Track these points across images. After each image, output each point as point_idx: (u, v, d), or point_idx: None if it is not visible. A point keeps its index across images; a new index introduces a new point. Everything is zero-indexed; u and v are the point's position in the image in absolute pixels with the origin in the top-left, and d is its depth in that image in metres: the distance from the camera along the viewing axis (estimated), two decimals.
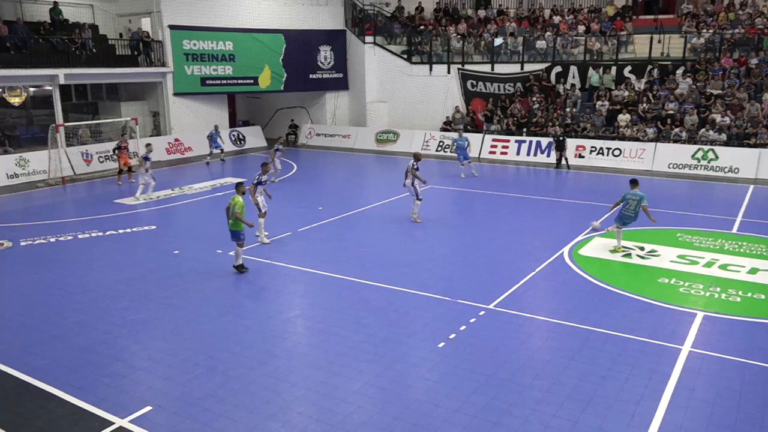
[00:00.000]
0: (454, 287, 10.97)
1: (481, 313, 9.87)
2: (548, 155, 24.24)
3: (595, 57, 26.64)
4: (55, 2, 24.41)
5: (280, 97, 31.03)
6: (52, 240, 14.20)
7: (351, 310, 10.09)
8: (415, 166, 15.23)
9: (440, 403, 7.29)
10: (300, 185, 20.55)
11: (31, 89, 25.00)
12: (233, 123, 29.80)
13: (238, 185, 12.00)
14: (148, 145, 19.30)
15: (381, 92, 29.98)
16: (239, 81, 28.37)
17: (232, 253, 12.27)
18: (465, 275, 11.73)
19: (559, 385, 7.68)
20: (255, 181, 13.80)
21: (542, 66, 27.02)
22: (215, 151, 24.97)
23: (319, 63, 30.01)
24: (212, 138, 24.91)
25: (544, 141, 24.60)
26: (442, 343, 8.81)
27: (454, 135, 23.53)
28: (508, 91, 27.53)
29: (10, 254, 13.29)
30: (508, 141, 25.39)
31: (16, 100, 24.59)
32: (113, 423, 6.96)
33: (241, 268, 11.90)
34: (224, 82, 28.02)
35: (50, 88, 23.28)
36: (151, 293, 10.92)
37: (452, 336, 9.04)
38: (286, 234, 14.49)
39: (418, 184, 15.27)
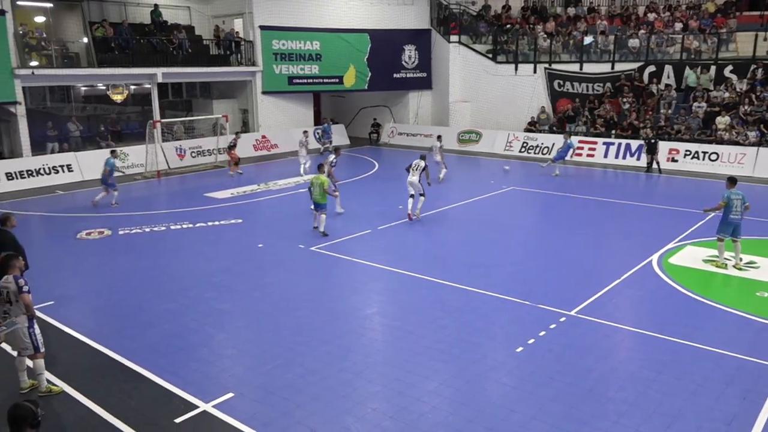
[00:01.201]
0: (534, 291, 10.73)
1: (562, 319, 9.61)
2: (638, 158, 23.26)
3: (693, 56, 25.30)
4: (155, 5, 25.75)
5: (363, 96, 31.38)
6: (147, 230, 15.01)
7: (428, 310, 10.08)
8: (425, 166, 15.67)
9: (516, 409, 7.16)
10: (381, 184, 20.71)
11: (132, 87, 26.49)
12: (318, 121, 30.43)
13: (320, 166, 14.91)
14: (305, 131, 23.17)
15: (464, 92, 29.74)
16: (325, 80, 28.93)
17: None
18: (546, 280, 11.46)
19: (644, 398, 7.36)
20: (333, 164, 16.34)
21: (634, 65, 25.94)
22: (327, 144, 26.74)
23: (403, 62, 30.14)
24: (325, 131, 27.21)
25: (634, 143, 23.63)
26: (520, 348, 8.65)
27: (551, 136, 23.45)
28: (597, 91, 26.63)
29: (109, 242, 14.16)
30: (596, 143, 24.55)
31: (118, 98, 26.17)
32: (198, 407, 7.28)
33: (323, 233, 14.06)
34: (310, 81, 28.65)
35: (149, 86, 24.60)
36: (235, 284, 11.34)
37: (531, 341, 8.86)
38: (366, 231, 14.65)
39: (424, 182, 15.64)
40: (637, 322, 9.62)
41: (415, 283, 11.34)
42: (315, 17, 27.90)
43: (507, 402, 7.34)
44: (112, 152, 18.42)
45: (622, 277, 11.42)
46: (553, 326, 9.34)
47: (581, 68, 27.04)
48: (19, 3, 21.87)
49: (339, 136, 29.94)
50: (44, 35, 22.72)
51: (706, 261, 12.22)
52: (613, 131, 24.81)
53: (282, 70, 27.73)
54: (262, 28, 26.83)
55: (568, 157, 21.72)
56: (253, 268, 12.25)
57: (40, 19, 23.98)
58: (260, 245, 13.73)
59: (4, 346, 8.21)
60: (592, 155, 24.30)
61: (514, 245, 13.79)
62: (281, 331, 9.38)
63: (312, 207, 14.57)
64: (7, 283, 7.46)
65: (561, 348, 8.65)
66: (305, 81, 28.50)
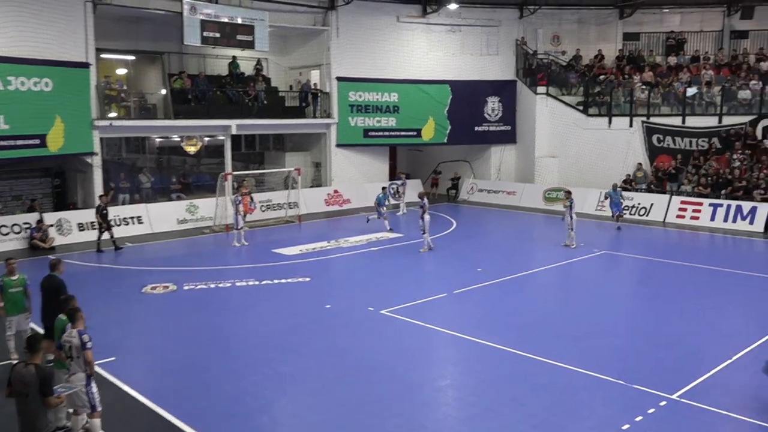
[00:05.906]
0: (629, 370, 10.21)
1: (662, 403, 9.06)
2: (751, 222, 22.11)
3: None
4: (234, 57, 27.28)
5: (443, 150, 31.62)
6: (212, 286, 15.45)
7: (508, 385, 9.77)
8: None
9: None
10: (458, 244, 20.58)
11: (206, 138, 27.85)
12: (393, 176, 30.81)
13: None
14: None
15: (552, 146, 29.46)
16: (402, 133, 29.43)
17: None
18: (644, 357, 10.90)
19: None
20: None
21: (746, 119, 25.08)
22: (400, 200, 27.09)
23: (485, 115, 30.29)
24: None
25: (747, 205, 22.52)
26: None
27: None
28: (702, 147, 25.80)
29: (173, 297, 14.66)
30: (701, 204, 23.59)
31: (191, 149, 27.53)
32: None
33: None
34: (387, 134, 29.22)
35: (222, 137, 25.80)
36: (300, 347, 11.41)
37: (625, 427, 8.37)
38: (441, 295, 14.52)
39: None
40: (752, 411, 8.92)
41: (494, 355, 11.05)
42: (394, 68, 28.66)
43: None
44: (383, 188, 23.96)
45: (734, 358, 10.70)
46: (651, 411, 8.82)
47: (684, 122, 26.36)
48: (103, 56, 23.69)
49: (415, 192, 30.13)
50: (124, 87, 24.43)
51: None
52: (723, 191, 23.78)
53: (357, 123, 28.50)
54: (339, 79, 27.82)
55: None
56: (320, 330, 12.32)
57: (122, 71, 25.87)
58: (328, 306, 13.83)
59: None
60: (697, 217, 23.32)
61: (607, 316, 13.25)
62: (347, 399, 9.31)
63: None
64: (71, 338, 7.77)
65: None
66: (381, 134, 29.09)
